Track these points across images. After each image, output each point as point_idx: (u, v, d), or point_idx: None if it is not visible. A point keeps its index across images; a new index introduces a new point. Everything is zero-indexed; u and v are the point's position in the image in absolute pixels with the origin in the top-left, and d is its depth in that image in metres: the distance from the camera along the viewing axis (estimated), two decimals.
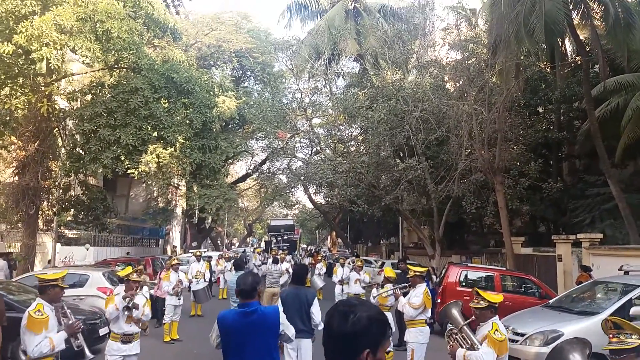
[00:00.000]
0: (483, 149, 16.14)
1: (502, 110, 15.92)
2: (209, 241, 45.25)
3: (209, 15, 31.51)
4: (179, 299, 10.81)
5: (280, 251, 18.54)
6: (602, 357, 3.71)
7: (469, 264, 14.96)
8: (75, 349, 4.95)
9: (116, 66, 15.45)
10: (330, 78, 24.59)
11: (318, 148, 24.41)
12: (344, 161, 20.26)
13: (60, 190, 17.65)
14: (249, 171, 35.37)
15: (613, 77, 15.71)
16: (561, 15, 13.32)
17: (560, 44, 19.99)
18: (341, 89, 26.73)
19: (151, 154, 16.18)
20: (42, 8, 13.07)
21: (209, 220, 37.54)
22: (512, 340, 7.22)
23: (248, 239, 63.32)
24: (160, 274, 11.98)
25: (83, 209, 18.68)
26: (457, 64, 19.19)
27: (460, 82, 18.93)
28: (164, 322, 10.85)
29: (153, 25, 15.89)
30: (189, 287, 12.51)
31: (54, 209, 17.60)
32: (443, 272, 12.92)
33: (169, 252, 32.32)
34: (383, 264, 23.12)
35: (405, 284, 7.80)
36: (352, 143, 24.63)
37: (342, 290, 13.35)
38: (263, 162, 32.30)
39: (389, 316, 7.80)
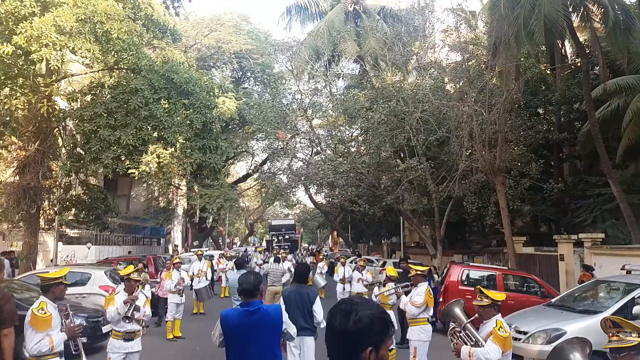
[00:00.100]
0: (484, 150, 16.15)
1: (502, 111, 15.93)
2: (210, 240, 45.31)
3: (208, 17, 31.59)
4: (181, 296, 10.93)
5: (282, 250, 18.55)
6: (604, 355, 3.73)
7: (471, 263, 14.97)
8: (73, 352, 4.96)
9: (116, 67, 15.44)
10: (330, 79, 24.63)
11: (318, 148, 24.44)
12: (345, 161, 20.27)
13: (61, 190, 17.66)
14: (250, 171, 35.45)
15: (613, 79, 15.76)
16: (561, 18, 13.35)
17: (560, 46, 19.96)
18: (341, 90, 26.79)
19: (152, 154, 16.18)
20: (41, 9, 13.05)
21: (210, 220, 37.58)
22: (515, 339, 7.21)
23: (249, 239, 63.36)
24: (161, 273, 12.04)
25: (84, 209, 18.69)
26: (457, 65, 19.22)
27: (461, 84, 18.93)
28: (166, 319, 10.96)
29: (153, 27, 15.90)
30: (191, 285, 12.60)
31: (55, 209, 17.61)
32: (445, 271, 12.94)
33: (170, 251, 32.32)
34: (385, 263, 23.14)
35: (407, 283, 7.81)
36: (353, 144, 24.66)
37: (344, 289, 13.43)
38: (264, 162, 32.36)
39: (392, 314, 7.82)
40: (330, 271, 18.34)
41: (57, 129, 16.75)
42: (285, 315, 4.16)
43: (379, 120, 18.94)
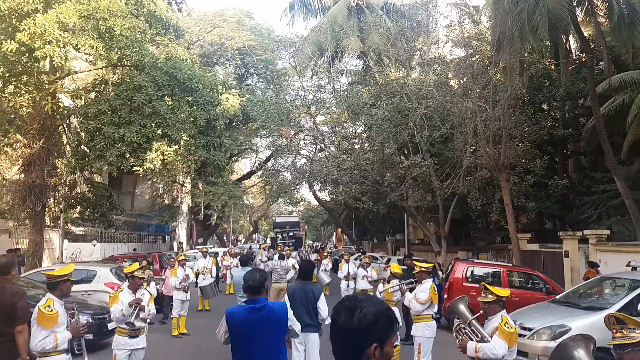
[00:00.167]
0: (488, 146, 16.10)
1: (506, 107, 15.88)
2: (215, 237, 45.43)
3: (211, 13, 31.54)
4: (186, 292, 10.98)
5: (286, 247, 18.57)
6: (609, 351, 3.73)
7: (475, 260, 14.95)
8: (76, 351, 4.99)
9: (119, 64, 15.45)
10: (333, 75, 24.56)
11: (322, 145, 24.42)
12: (349, 158, 20.25)
13: (66, 188, 17.71)
14: (254, 168, 35.44)
15: (618, 74, 15.66)
16: (565, 12, 13.24)
17: (564, 41, 19.92)
18: (345, 87, 26.75)
19: (156, 152, 16.20)
20: (44, 6, 13.06)
21: (215, 217, 37.66)
22: (520, 335, 7.20)
23: (254, 236, 63.47)
24: (166, 270, 12.09)
25: (89, 206, 18.77)
26: (460, 61, 19.14)
27: (464, 79, 18.86)
28: (172, 316, 11.04)
29: (155, 23, 15.89)
30: (196, 282, 12.65)
31: (61, 206, 17.69)
32: (449, 268, 12.92)
33: (175, 249, 32.44)
34: (389, 260, 23.14)
35: (412, 280, 7.81)
36: (357, 140, 24.63)
37: (348, 286, 13.42)
38: (267, 159, 32.37)
39: (396, 311, 7.82)
40: (335, 268, 18.37)
41: (61, 126, 16.80)
42: (290, 312, 4.17)
43: (383, 117, 18.89)
